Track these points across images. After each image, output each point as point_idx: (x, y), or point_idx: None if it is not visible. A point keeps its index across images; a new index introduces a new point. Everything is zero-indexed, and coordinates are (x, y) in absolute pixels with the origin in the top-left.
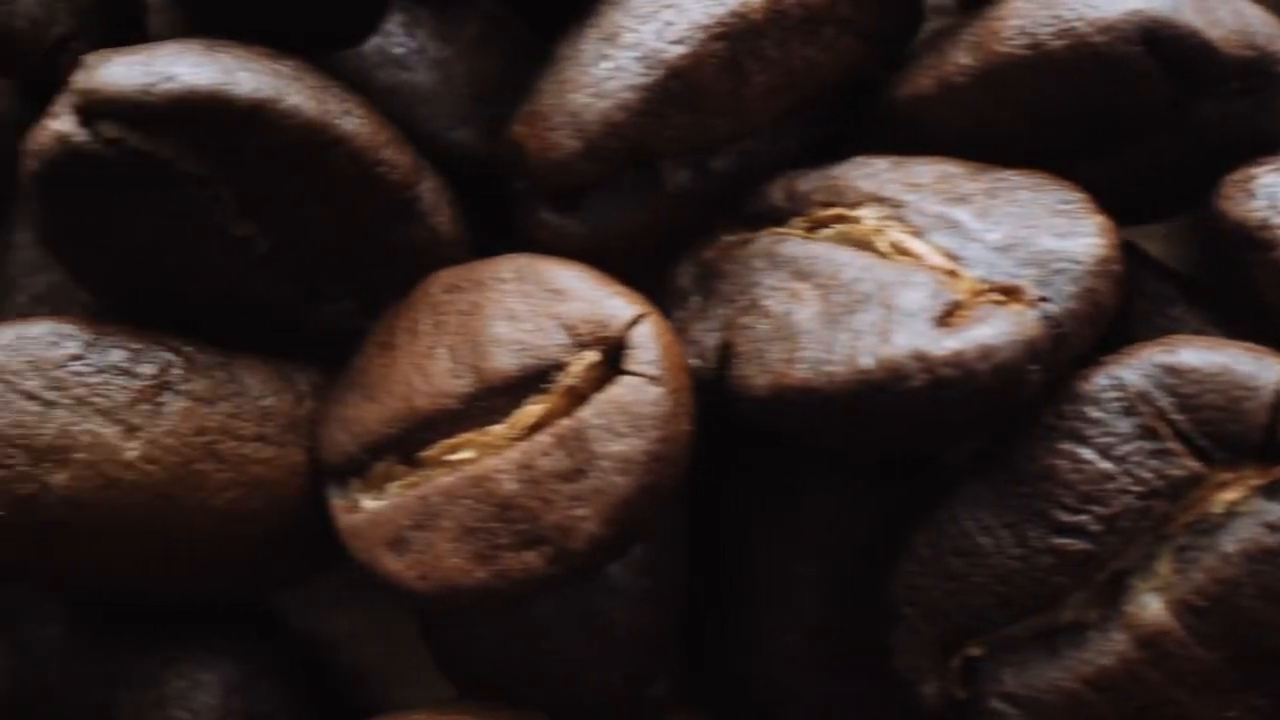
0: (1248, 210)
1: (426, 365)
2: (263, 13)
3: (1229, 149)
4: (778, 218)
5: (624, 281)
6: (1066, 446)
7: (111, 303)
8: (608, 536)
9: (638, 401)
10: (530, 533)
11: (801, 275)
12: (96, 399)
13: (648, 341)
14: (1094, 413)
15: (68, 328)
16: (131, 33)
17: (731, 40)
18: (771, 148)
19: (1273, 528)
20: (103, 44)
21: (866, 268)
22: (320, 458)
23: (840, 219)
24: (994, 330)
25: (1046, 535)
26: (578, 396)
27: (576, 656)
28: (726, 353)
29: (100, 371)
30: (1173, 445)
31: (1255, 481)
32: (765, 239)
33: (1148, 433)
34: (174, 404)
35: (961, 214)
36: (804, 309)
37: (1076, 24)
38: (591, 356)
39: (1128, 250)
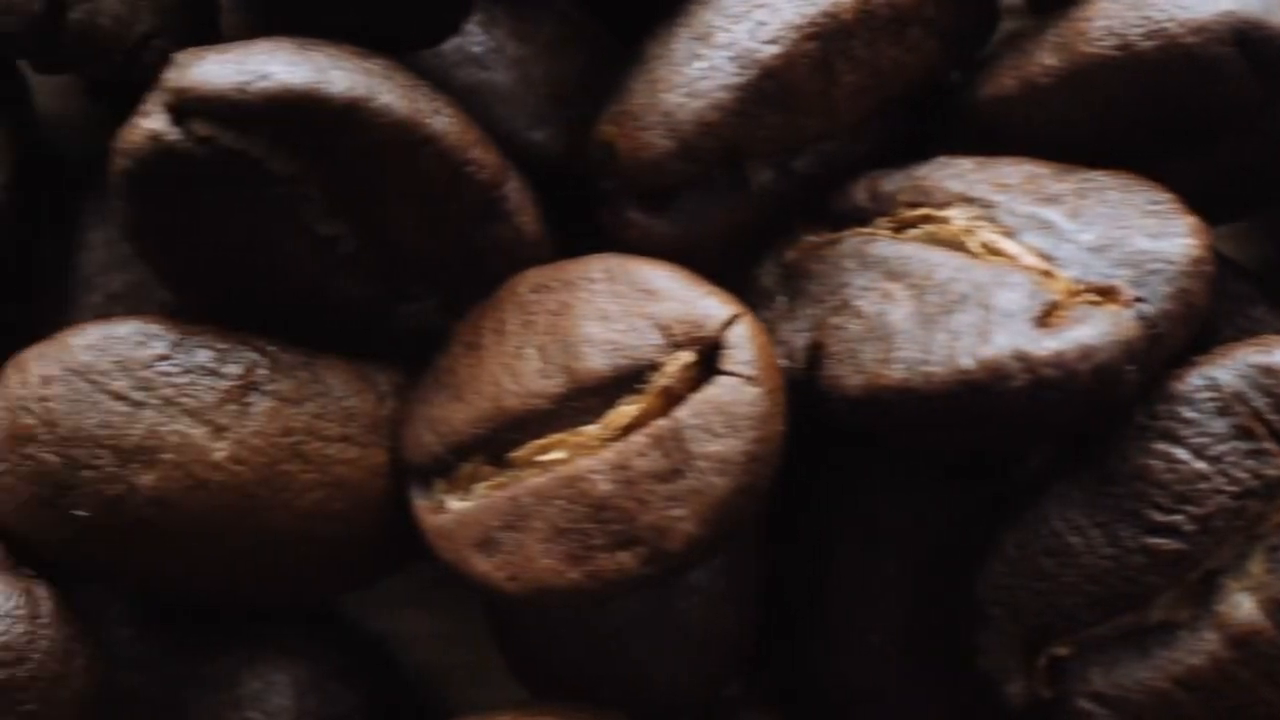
0: None
1: (515, 365)
2: (345, 11)
3: None
4: (861, 218)
5: (714, 281)
6: (1160, 446)
7: (194, 302)
8: (704, 537)
9: (735, 402)
10: (625, 533)
11: (893, 275)
12: (184, 399)
13: (743, 342)
14: (1188, 413)
15: (154, 327)
16: (209, 31)
17: (823, 40)
18: (850, 148)
19: None
20: (183, 42)
21: (960, 268)
22: (403, 458)
23: (928, 219)
24: (1093, 331)
25: (1139, 535)
26: (672, 397)
27: (654, 657)
28: (816, 353)
29: (187, 372)
30: (1268, 445)
31: None
32: (853, 239)
33: (1243, 432)
34: (260, 404)
35: (1053, 214)
36: (897, 309)
37: (1168, 25)
38: (686, 357)
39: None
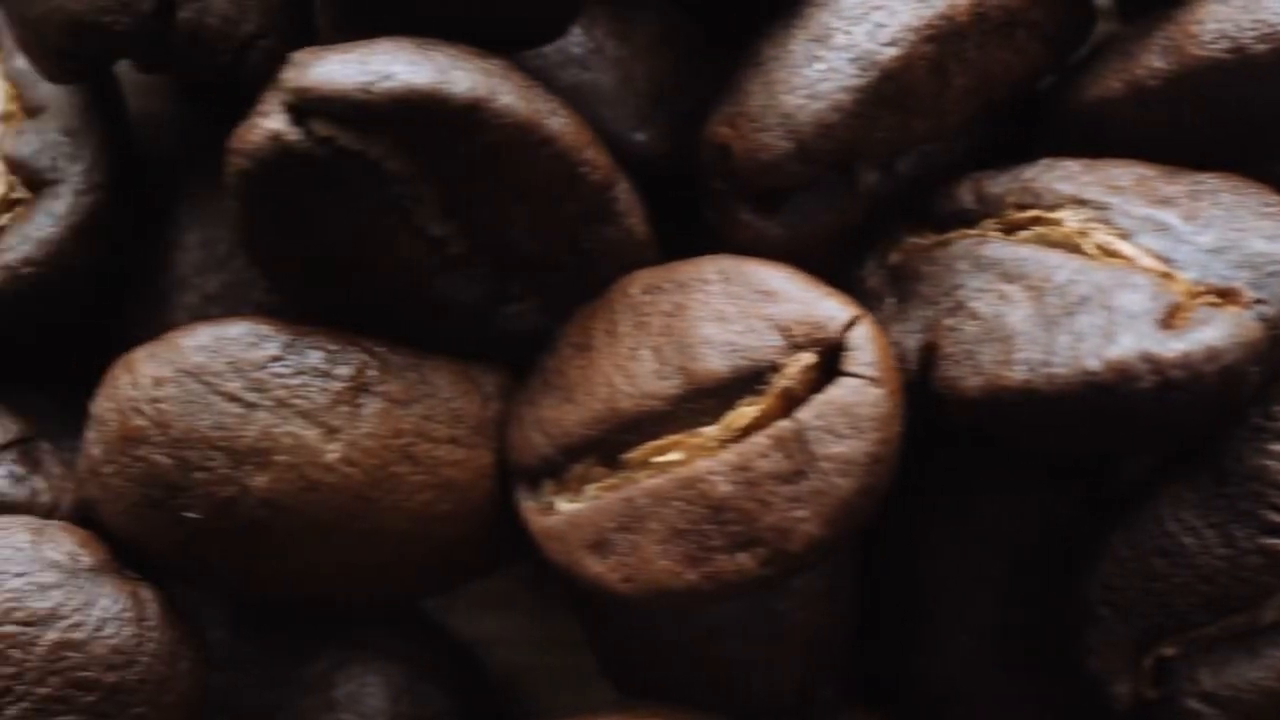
0: None
1: (630, 366)
2: (453, 11)
3: None
4: (968, 219)
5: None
6: (1277, 447)
7: (300, 303)
8: (826, 538)
9: (859, 403)
10: (745, 534)
11: (1009, 277)
12: (297, 401)
13: (865, 343)
14: None
15: (265, 328)
16: (309, 32)
17: (940, 42)
18: (950, 149)
19: None
20: (286, 42)
21: (1079, 270)
22: (510, 459)
23: (1038, 221)
24: (1218, 333)
25: (1255, 535)
26: (792, 398)
27: (751, 658)
28: (930, 354)
29: (300, 373)
30: None
31: None
32: (964, 241)
33: None
34: (371, 406)
35: (1169, 216)
36: (1016, 311)
37: None
38: (808, 358)
39: None
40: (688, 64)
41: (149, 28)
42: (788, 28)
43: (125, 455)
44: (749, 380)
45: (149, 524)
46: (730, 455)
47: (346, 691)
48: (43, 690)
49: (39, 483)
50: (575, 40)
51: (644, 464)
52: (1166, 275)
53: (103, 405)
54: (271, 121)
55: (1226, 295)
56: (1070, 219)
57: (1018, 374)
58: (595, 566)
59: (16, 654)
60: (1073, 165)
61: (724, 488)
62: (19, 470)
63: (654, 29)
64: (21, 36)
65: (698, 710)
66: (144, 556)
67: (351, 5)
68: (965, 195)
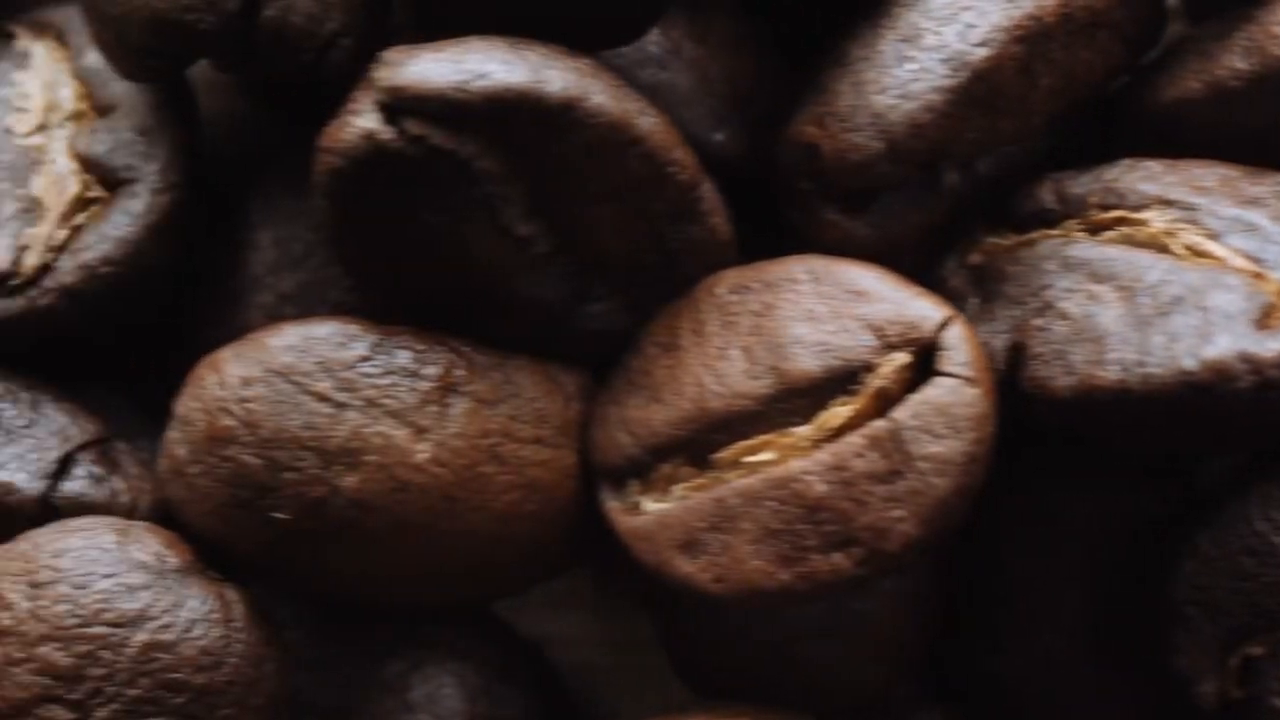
0: None
1: (719, 366)
2: (536, 10)
3: None
4: (1049, 220)
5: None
6: None
7: (382, 302)
8: (922, 538)
9: (956, 403)
10: (840, 534)
11: (1098, 277)
12: (387, 401)
13: (960, 343)
14: None
15: (353, 328)
16: (388, 31)
17: (1028, 43)
18: (1029, 150)
19: None
20: (367, 41)
21: (1171, 270)
22: (595, 459)
23: (1123, 221)
24: None
25: None
26: (886, 398)
27: (832, 658)
28: (1018, 354)
29: (389, 373)
30: None
31: None
32: (1050, 241)
33: None
34: (459, 406)
35: (1257, 217)
36: (1107, 311)
37: None
38: (902, 358)
39: None
40: (761, 65)
41: (233, 27)
42: (875, 28)
43: (212, 455)
44: (842, 380)
45: (235, 525)
46: (825, 455)
47: (424, 692)
48: (133, 692)
49: (118, 483)
50: (652, 40)
51: (734, 464)
52: (1258, 275)
53: (188, 405)
54: (365, 120)
55: None
56: (1156, 219)
57: (1111, 374)
58: (686, 566)
59: (107, 655)
60: (1155, 166)
61: (819, 487)
62: (98, 471)
63: (728, 30)
64: (100, 34)
65: (782, 710)
66: (226, 557)
67: (433, 5)
68: (1046, 195)
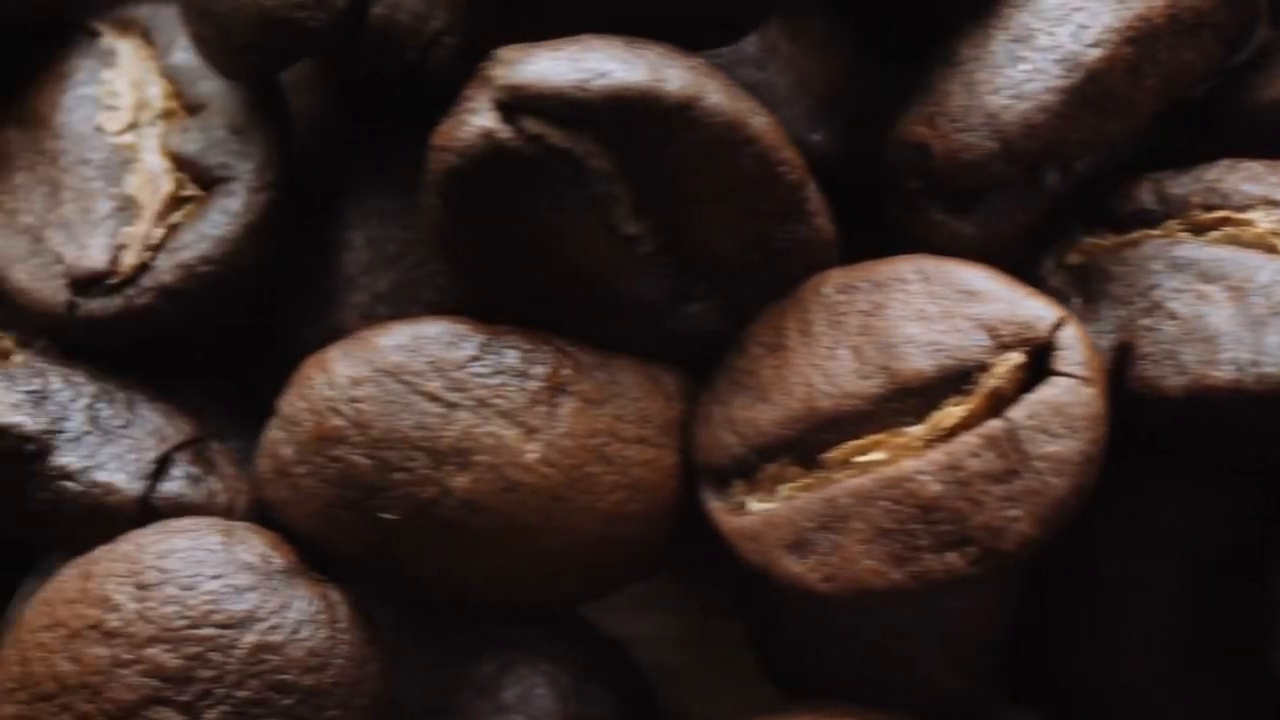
0: None
1: (828, 366)
2: (644, 10)
3: None
4: (1149, 220)
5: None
6: None
7: (485, 302)
8: (1038, 538)
9: (1073, 403)
10: (955, 534)
11: (1208, 277)
12: (497, 400)
13: (1075, 343)
14: None
15: (462, 327)
16: (487, 28)
17: (1139, 44)
18: (1125, 149)
19: None
20: (469, 39)
21: None
22: (698, 459)
23: (1227, 222)
24: None
25: None
26: (1000, 398)
27: (925, 657)
28: (1125, 354)
29: (498, 372)
30: None
31: None
32: (1155, 241)
33: None
34: (567, 405)
35: None
36: (1218, 311)
37: None
38: (1016, 358)
39: None
40: (856, 62)
41: (342, 24)
42: (985, 28)
43: (320, 456)
44: (955, 380)
45: (341, 525)
46: (939, 455)
47: (516, 693)
48: (242, 693)
49: (215, 483)
50: (749, 39)
51: (844, 463)
52: None
53: (295, 405)
54: (481, 119)
55: None
56: (1263, 220)
57: (1225, 373)
58: (794, 566)
59: (216, 657)
60: (1256, 166)
61: (934, 487)
62: (195, 471)
63: (823, 30)
64: (201, 32)
65: (880, 710)
66: (325, 558)
67: (535, 4)
68: (1145, 196)
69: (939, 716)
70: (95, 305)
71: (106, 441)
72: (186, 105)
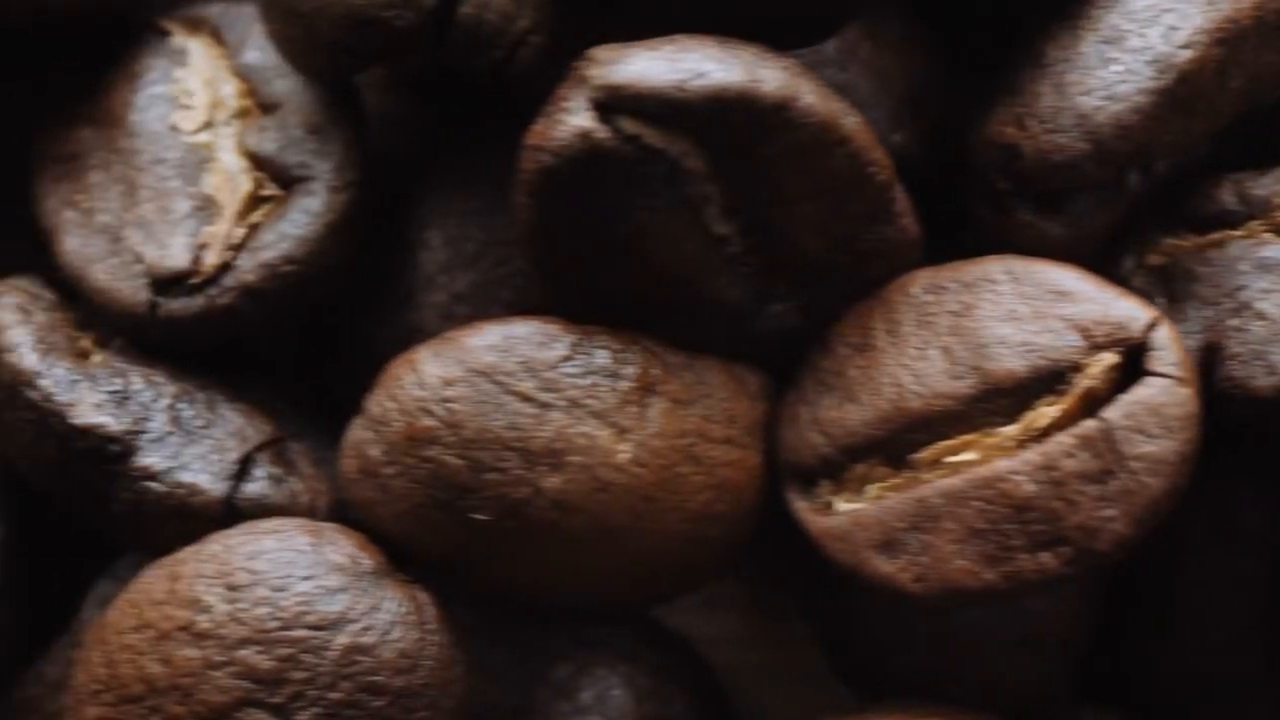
0: None
1: (918, 366)
2: (731, 11)
3: None
4: (1230, 221)
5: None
6: None
7: (575, 302)
8: (1132, 538)
9: (1169, 403)
10: (1049, 534)
11: None
12: (589, 401)
13: (1169, 343)
14: None
15: (553, 328)
16: (575, 28)
17: (1227, 45)
18: (1203, 150)
19: None
20: (554, 38)
21: None
22: (784, 459)
23: None
24: None
25: None
26: (1094, 399)
27: (1001, 656)
28: (1213, 355)
29: (590, 373)
30: None
31: None
32: (1240, 242)
33: None
34: (656, 406)
35: None
36: None
37: None
38: (1110, 358)
39: None
40: (933, 63)
41: (430, 24)
42: (1073, 29)
43: (410, 456)
44: (1048, 380)
45: (430, 526)
46: (1033, 455)
47: (593, 694)
48: (334, 695)
49: (296, 484)
50: (829, 41)
51: (934, 464)
52: None
53: (384, 405)
54: (579, 119)
55: None
56: None
57: None
58: (884, 566)
59: (309, 659)
60: None
61: (1028, 487)
62: (276, 471)
63: (901, 28)
64: (283, 30)
65: (962, 710)
66: (413, 559)
67: (620, 4)
68: (1227, 197)
69: (1017, 716)
70: (177, 305)
71: (189, 442)
72: (261, 104)
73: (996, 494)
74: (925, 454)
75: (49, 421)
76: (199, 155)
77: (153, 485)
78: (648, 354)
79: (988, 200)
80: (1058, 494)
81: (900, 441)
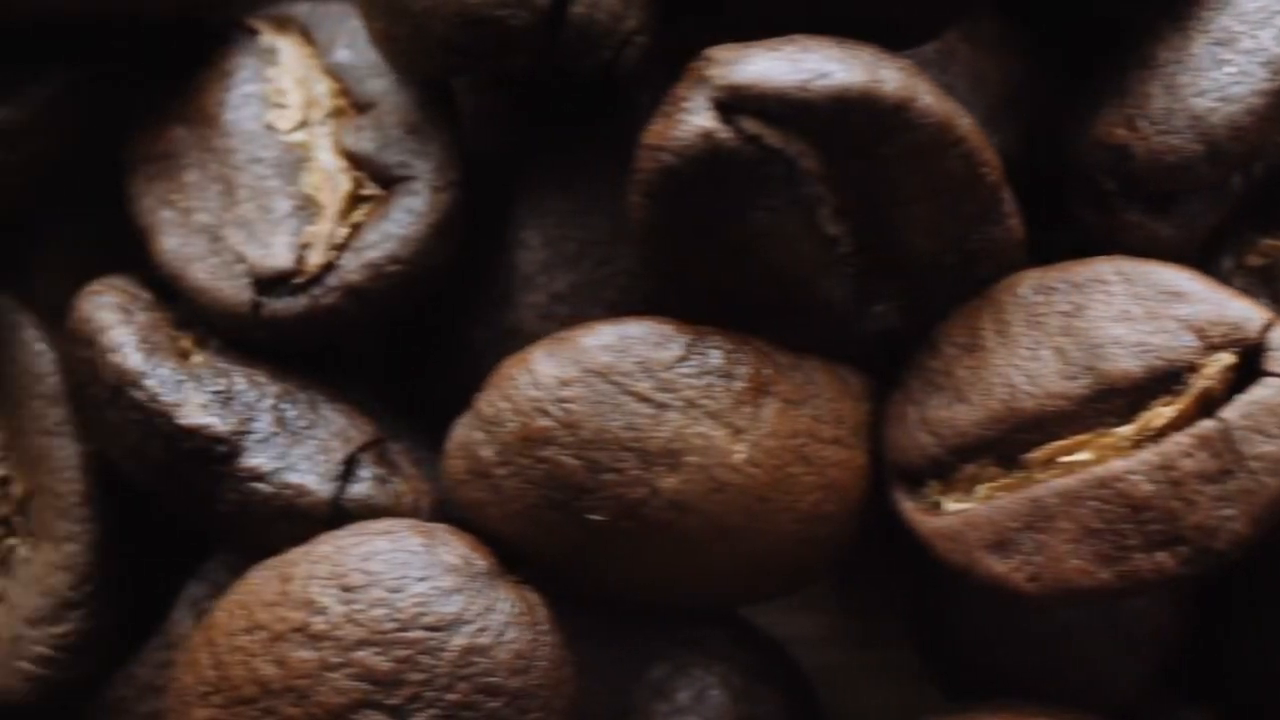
0: None
1: (1030, 366)
2: (840, 11)
3: None
4: None
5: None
6: None
7: (683, 302)
8: (1250, 537)
9: None
10: (1166, 533)
11: None
12: (705, 401)
13: None
14: None
15: (667, 328)
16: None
17: None
18: None
19: None
20: (657, 38)
21: None
22: (892, 460)
23: None
24: None
25: None
26: (1209, 399)
27: (1099, 656)
28: None
29: (704, 373)
30: None
31: None
32: None
33: None
34: (769, 406)
35: None
36: None
37: None
38: (1227, 359)
39: None
40: (1028, 64)
41: (543, 23)
42: (1183, 31)
43: (525, 456)
44: (1164, 380)
45: (544, 527)
46: (1150, 455)
47: (690, 694)
48: (451, 696)
49: (399, 484)
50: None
51: (1047, 464)
52: None
53: (498, 405)
54: (700, 119)
55: None
56: None
57: None
58: (997, 566)
59: (426, 660)
60: None
61: (1146, 487)
62: (380, 472)
63: (997, 34)
64: (389, 30)
65: (1064, 710)
66: (523, 560)
67: (729, 5)
68: None
69: (1115, 715)
70: (280, 305)
71: (295, 442)
72: (355, 103)
73: (1113, 494)
74: (1038, 454)
75: (155, 422)
76: (296, 154)
77: (260, 486)
78: (759, 354)
79: (1092, 201)
80: (1176, 494)
81: (1012, 441)
